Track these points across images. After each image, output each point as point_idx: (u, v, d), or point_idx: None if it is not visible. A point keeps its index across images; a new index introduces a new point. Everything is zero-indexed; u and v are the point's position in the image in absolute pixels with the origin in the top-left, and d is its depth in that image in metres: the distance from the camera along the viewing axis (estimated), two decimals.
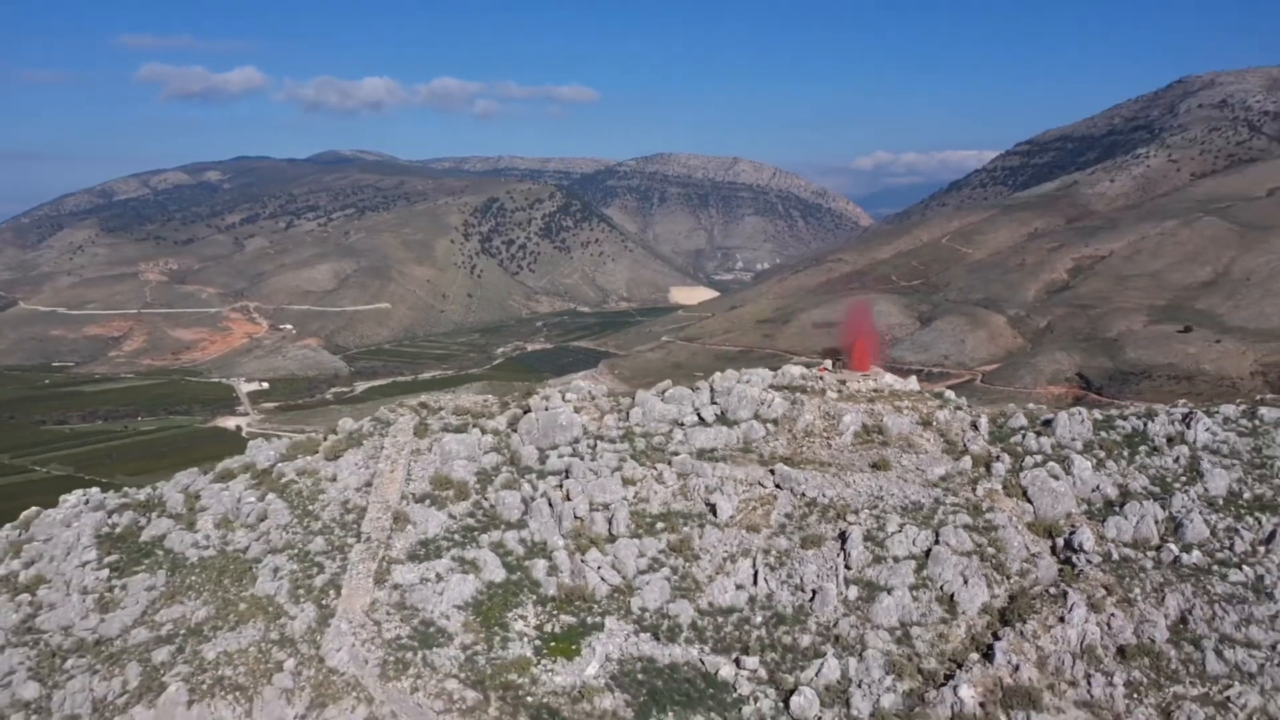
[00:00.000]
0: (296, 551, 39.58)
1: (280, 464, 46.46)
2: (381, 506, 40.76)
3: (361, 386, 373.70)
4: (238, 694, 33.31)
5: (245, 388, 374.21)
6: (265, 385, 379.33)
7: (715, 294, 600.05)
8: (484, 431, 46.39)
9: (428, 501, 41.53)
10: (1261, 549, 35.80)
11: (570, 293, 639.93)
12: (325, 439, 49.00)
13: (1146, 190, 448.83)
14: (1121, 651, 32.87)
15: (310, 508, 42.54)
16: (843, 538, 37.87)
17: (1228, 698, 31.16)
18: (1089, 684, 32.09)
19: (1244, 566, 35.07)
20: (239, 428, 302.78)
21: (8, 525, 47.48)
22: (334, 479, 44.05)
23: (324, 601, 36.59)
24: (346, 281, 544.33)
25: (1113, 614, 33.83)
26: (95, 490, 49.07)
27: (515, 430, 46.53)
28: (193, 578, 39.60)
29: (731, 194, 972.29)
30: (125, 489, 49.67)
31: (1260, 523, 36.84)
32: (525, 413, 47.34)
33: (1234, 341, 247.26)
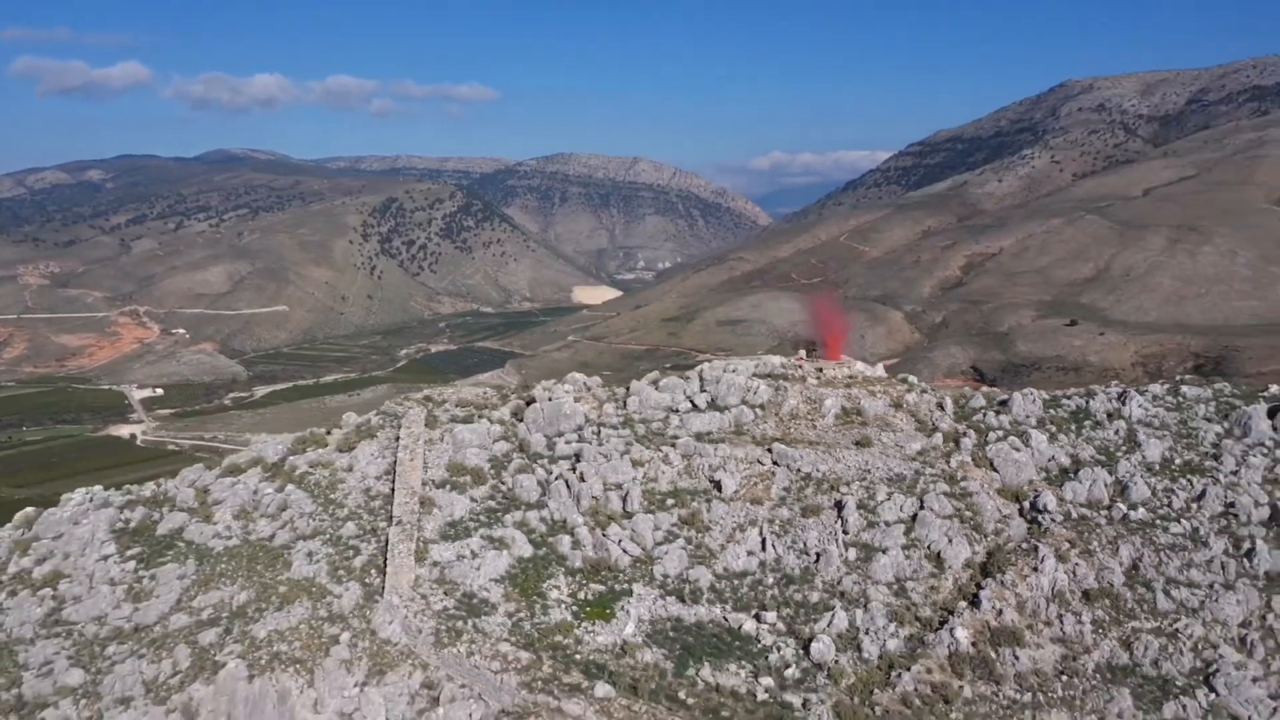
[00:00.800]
0: (328, 537, 41.88)
1: (291, 457, 48.37)
2: (408, 492, 43.27)
3: (261, 391, 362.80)
4: (298, 666, 35.65)
5: (138, 394, 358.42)
6: (159, 391, 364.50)
7: (618, 293, 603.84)
8: (491, 421, 49.22)
9: (448, 487, 44.27)
10: (1194, 505, 41.65)
11: (473, 293, 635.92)
12: (329, 433, 51.00)
13: (1032, 190, 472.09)
14: (1086, 594, 38.14)
15: (332, 496, 44.78)
16: (839, 506, 42.32)
17: (1176, 629, 36.71)
18: (1061, 623, 37.24)
19: (1182, 520, 40.86)
20: (133, 435, 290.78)
21: (7, 525, 48.19)
22: (350, 469, 46.31)
23: (367, 580, 39.12)
24: (241, 284, 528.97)
25: (1076, 563, 39.07)
26: (99, 488, 49.98)
27: (520, 420, 49.49)
28: (223, 565, 41.49)
29: (632, 194, 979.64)
30: (128, 486, 50.70)
31: (1192, 484, 42.73)
32: (528, 404, 50.30)
33: (1116, 334, 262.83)
